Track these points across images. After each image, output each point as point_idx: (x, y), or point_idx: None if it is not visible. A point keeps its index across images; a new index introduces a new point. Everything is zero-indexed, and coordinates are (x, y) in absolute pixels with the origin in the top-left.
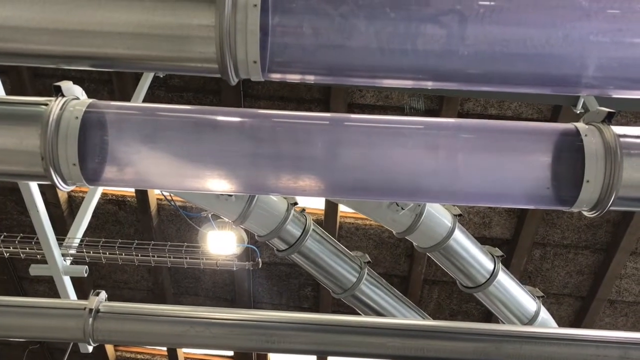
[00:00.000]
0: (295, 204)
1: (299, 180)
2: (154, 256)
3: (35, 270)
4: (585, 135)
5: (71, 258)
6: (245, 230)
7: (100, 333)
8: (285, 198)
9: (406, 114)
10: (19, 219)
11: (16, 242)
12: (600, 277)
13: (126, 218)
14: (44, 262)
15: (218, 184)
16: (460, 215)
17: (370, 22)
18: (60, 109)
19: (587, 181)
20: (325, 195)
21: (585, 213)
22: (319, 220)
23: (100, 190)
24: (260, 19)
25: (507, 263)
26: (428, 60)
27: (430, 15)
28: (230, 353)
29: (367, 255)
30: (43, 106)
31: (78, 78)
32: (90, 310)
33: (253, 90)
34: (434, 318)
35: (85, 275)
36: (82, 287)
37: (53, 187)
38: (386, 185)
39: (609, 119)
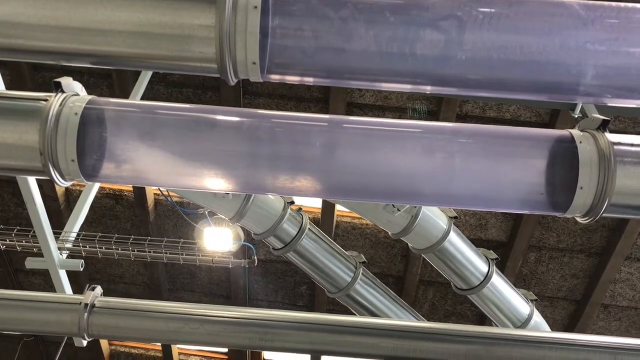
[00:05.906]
0: (292, 202)
1: (296, 180)
2: (150, 251)
3: (31, 263)
4: (580, 142)
5: (67, 252)
6: (242, 228)
7: (95, 328)
8: (282, 197)
9: (408, 116)
10: (15, 211)
11: (12, 234)
12: (594, 281)
13: (123, 212)
14: (40, 255)
15: (215, 182)
16: (455, 217)
17: (370, 26)
18: (60, 105)
19: (581, 188)
20: (322, 196)
21: (578, 219)
22: (315, 219)
23: (97, 184)
24: (260, 20)
25: (502, 265)
26: (426, 65)
27: (430, 20)
28: (225, 349)
29: (362, 256)
30: (43, 102)
31: (78, 71)
32: (86, 305)
33: (252, 87)
34: (428, 319)
35: (81, 269)
36: (78, 280)
37: (51, 180)
38: (383, 187)
39: (603, 126)
